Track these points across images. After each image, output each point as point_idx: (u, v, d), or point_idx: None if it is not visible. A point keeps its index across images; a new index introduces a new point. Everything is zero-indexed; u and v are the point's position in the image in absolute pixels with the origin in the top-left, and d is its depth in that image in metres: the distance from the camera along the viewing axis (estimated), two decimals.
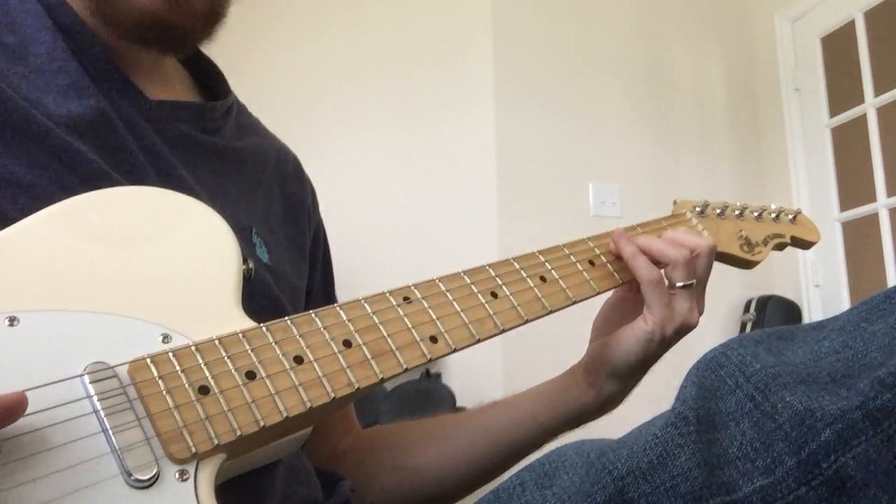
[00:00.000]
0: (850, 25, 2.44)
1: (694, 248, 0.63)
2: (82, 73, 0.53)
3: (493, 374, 2.03)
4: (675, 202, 0.77)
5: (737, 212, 0.76)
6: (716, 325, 2.38)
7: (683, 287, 0.61)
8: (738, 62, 2.71)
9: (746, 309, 2.42)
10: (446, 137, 2.24)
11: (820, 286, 2.42)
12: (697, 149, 2.51)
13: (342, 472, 0.66)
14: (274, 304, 0.57)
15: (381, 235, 2.21)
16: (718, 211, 0.75)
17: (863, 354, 0.44)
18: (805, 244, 0.79)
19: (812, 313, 2.41)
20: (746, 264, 0.74)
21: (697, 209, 0.74)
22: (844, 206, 2.42)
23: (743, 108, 2.67)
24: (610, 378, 0.63)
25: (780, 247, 0.78)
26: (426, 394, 1.89)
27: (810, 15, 2.57)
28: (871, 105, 2.36)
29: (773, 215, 0.78)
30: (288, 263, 0.64)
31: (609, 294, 0.68)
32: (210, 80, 0.69)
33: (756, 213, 0.77)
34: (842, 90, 2.48)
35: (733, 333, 2.34)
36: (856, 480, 0.39)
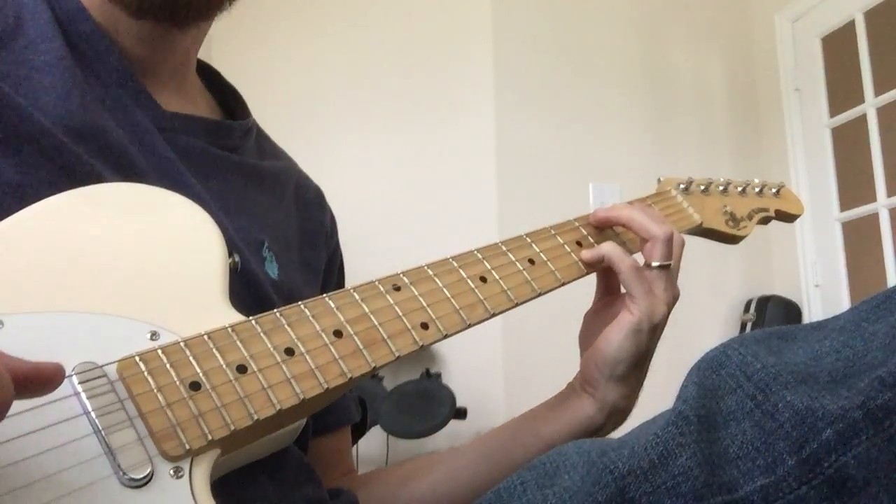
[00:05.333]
0: (850, 25, 2.44)
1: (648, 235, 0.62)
2: (87, 78, 0.53)
3: (493, 373, 2.03)
4: (659, 180, 0.76)
5: (721, 187, 0.76)
6: (716, 325, 2.38)
7: (660, 267, 0.60)
8: (738, 62, 2.71)
9: (746, 309, 2.42)
10: (446, 137, 2.24)
11: (820, 286, 2.42)
12: (697, 149, 2.51)
13: None
14: (271, 307, 0.57)
15: (380, 235, 2.21)
16: (703, 187, 0.74)
17: (863, 354, 0.44)
18: (789, 217, 0.79)
19: (812, 313, 2.41)
20: (732, 239, 0.73)
21: (682, 186, 0.74)
22: (844, 206, 2.42)
23: (743, 108, 2.67)
24: (609, 382, 0.60)
25: (765, 220, 0.78)
26: (426, 394, 1.89)
27: (810, 15, 2.57)
28: (871, 105, 2.36)
29: (757, 189, 0.78)
30: (301, 282, 0.64)
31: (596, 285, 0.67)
32: (233, 105, 0.69)
33: (740, 188, 0.77)
34: (842, 90, 2.48)
35: (733, 333, 2.34)
36: (857, 480, 0.39)
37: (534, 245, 0.60)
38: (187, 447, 0.38)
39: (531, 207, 2.15)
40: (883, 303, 0.46)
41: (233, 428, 0.40)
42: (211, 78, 0.70)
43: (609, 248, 0.61)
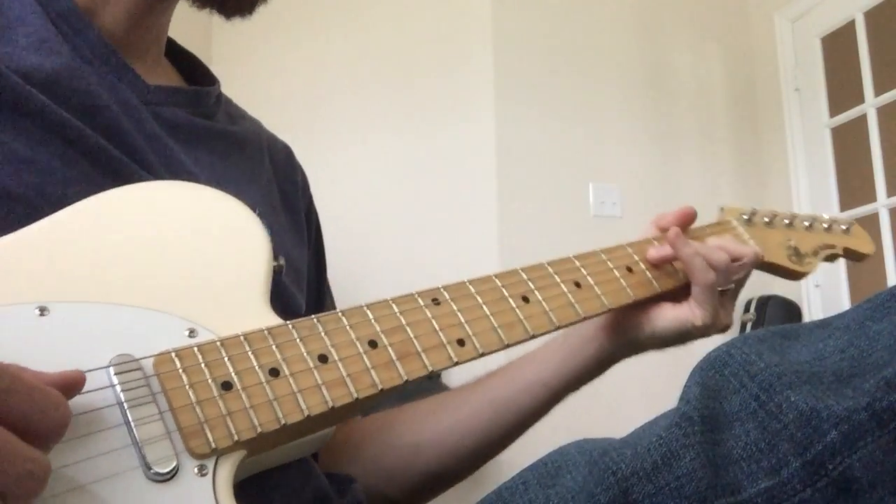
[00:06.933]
0: (850, 25, 2.43)
1: (739, 257, 0.63)
2: (74, 55, 0.53)
3: None
4: (721, 209, 0.75)
5: (786, 221, 0.74)
6: None
7: (721, 291, 0.62)
8: (738, 62, 2.71)
9: (746, 309, 2.42)
10: (447, 138, 2.23)
11: (820, 286, 2.42)
12: (697, 149, 2.51)
13: (339, 462, 0.66)
14: (281, 289, 0.56)
15: (381, 235, 2.20)
16: (766, 220, 0.73)
17: (868, 353, 0.43)
18: (858, 256, 0.77)
19: (812, 313, 2.41)
20: (794, 275, 0.72)
21: (744, 217, 0.73)
22: (844, 206, 2.42)
23: (743, 108, 2.67)
24: (630, 345, 0.63)
25: (832, 258, 0.76)
26: (427, 394, 1.89)
27: (810, 15, 2.57)
28: (871, 105, 2.36)
29: (825, 226, 0.76)
30: (290, 245, 0.64)
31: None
32: (194, 71, 0.69)
33: (807, 223, 0.75)
34: (842, 90, 2.48)
35: (734, 333, 2.34)
36: (862, 482, 0.39)
37: (582, 268, 0.59)
38: (213, 446, 0.39)
39: (531, 207, 2.15)
40: (887, 301, 0.46)
41: (259, 430, 0.40)
42: (168, 45, 0.69)
43: (693, 261, 0.61)
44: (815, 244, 0.74)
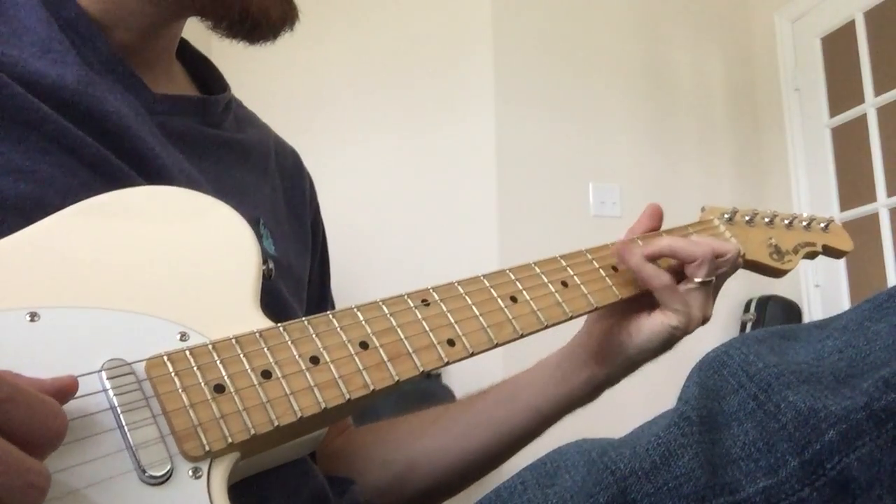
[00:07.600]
0: (850, 25, 2.43)
1: (722, 253, 0.63)
2: (81, 64, 0.53)
3: (493, 374, 2.02)
4: (702, 209, 0.75)
5: (766, 219, 0.75)
6: (716, 325, 2.38)
7: (702, 283, 0.61)
8: (738, 62, 2.71)
9: (746, 309, 2.42)
10: (447, 138, 2.24)
11: (820, 286, 2.42)
12: (697, 149, 2.51)
13: (337, 470, 0.66)
14: (276, 298, 0.57)
15: (381, 236, 2.20)
16: (748, 218, 0.73)
17: (866, 354, 0.43)
18: (837, 253, 0.78)
19: (812, 313, 2.41)
20: (776, 272, 0.72)
21: (726, 216, 0.73)
22: (844, 206, 2.42)
23: (743, 108, 2.67)
24: (622, 365, 0.63)
25: (812, 255, 0.76)
26: (426, 394, 1.89)
27: (810, 15, 2.57)
28: (871, 105, 2.36)
29: (805, 223, 0.77)
30: (293, 254, 0.64)
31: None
32: (207, 76, 0.69)
33: (787, 221, 0.76)
34: (842, 90, 2.48)
35: (733, 333, 2.34)
36: (860, 482, 0.39)
37: (568, 268, 0.60)
38: (207, 448, 0.39)
39: (531, 207, 2.15)
40: (886, 301, 0.46)
41: (253, 432, 0.40)
42: (181, 48, 0.69)
43: (643, 270, 0.61)
44: (796, 242, 0.75)
